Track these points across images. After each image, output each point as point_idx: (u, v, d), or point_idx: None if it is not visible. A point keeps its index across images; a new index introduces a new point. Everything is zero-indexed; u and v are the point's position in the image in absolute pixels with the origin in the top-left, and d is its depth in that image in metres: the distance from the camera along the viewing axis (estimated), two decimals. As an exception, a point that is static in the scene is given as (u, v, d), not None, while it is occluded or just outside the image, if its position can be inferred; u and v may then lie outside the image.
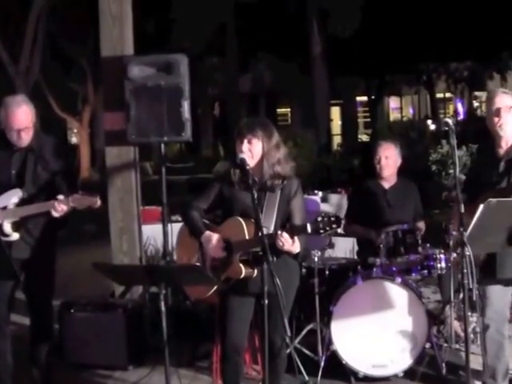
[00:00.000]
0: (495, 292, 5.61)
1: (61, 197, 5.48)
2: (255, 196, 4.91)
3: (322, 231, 4.76)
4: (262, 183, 5.16)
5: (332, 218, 4.75)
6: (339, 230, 4.97)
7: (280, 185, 5.18)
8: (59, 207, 5.46)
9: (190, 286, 5.47)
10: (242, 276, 5.08)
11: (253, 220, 5.01)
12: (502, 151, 5.63)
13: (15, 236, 5.69)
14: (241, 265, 5.07)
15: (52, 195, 5.58)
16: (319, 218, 4.75)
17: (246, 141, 5.14)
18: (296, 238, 4.91)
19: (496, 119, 5.55)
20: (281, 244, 4.87)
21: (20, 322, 6.90)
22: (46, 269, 5.94)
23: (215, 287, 5.20)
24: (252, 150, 5.14)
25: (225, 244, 5.13)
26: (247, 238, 5.04)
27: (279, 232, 4.89)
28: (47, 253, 5.93)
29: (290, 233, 4.88)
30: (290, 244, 4.89)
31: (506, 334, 5.78)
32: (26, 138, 5.69)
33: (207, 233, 5.19)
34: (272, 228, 5.07)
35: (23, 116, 5.67)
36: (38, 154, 5.78)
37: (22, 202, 5.65)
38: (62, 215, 5.54)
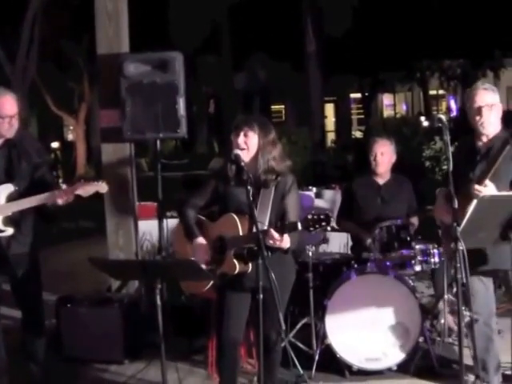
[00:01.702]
0: (478, 286, 5.61)
1: (64, 186, 5.56)
2: (250, 191, 4.95)
3: (312, 229, 4.80)
4: (257, 178, 5.18)
5: (322, 216, 4.79)
6: (329, 228, 5.02)
7: (274, 181, 5.22)
8: (65, 196, 5.51)
9: (185, 281, 5.51)
10: (237, 271, 5.14)
11: (247, 216, 5.07)
12: (481, 144, 5.61)
13: (10, 231, 5.70)
14: (235, 261, 5.12)
15: (41, 188, 5.62)
16: (309, 216, 4.79)
17: (242, 133, 5.19)
18: (285, 234, 4.96)
19: (477, 117, 5.52)
20: (271, 242, 4.91)
21: (10, 315, 6.90)
22: (35, 264, 5.96)
23: (211, 283, 5.25)
24: (248, 143, 5.19)
25: (218, 243, 5.21)
26: (241, 234, 5.10)
27: (268, 230, 4.92)
28: (34, 248, 5.95)
29: (280, 230, 4.92)
30: (280, 241, 4.93)
31: (494, 327, 5.81)
32: (15, 126, 5.70)
33: (198, 240, 5.28)
34: (266, 224, 5.11)
35: (12, 103, 5.68)
36: (20, 149, 5.77)
37: (12, 197, 5.66)
38: (64, 203, 5.58)
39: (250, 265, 5.12)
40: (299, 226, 4.84)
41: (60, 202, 5.53)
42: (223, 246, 5.19)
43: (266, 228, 5.00)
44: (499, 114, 5.61)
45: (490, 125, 5.54)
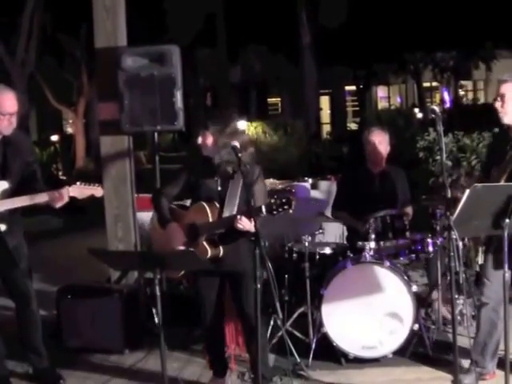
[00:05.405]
0: (496, 272, 5.64)
1: (64, 189, 5.59)
2: (242, 182, 5.39)
3: (274, 212, 5.11)
4: (224, 170, 5.56)
5: (284, 200, 5.09)
6: (291, 211, 5.23)
7: (240, 170, 5.40)
8: (63, 197, 5.58)
9: (183, 270, 5.66)
10: (209, 256, 5.47)
11: (216, 204, 5.49)
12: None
13: (2, 227, 5.78)
14: (206, 245, 5.47)
15: (31, 185, 5.71)
16: (272, 200, 5.11)
17: (200, 135, 5.62)
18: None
19: (496, 107, 5.69)
20: (241, 227, 5.24)
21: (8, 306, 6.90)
22: (25, 256, 6.04)
23: None
24: (206, 142, 5.58)
25: (190, 230, 5.53)
26: (211, 220, 5.45)
27: (238, 216, 5.26)
28: (25, 240, 6.04)
29: (247, 214, 5.22)
30: (249, 225, 5.21)
31: (501, 315, 5.90)
32: (14, 124, 5.75)
33: (173, 225, 5.62)
34: (235, 212, 5.43)
35: (13, 100, 5.73)
36: (14, 146, 5.83)
37: (6, 194, 5.71)
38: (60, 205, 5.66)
39: (221, 248, 5.50)
40: (263, 209, 5.13)
41: (62, 201, 5.60)
42: (195, 232, 5.51)
43: (234, 214, 5.38)
44: None
45: (505, 114, 5.66)
